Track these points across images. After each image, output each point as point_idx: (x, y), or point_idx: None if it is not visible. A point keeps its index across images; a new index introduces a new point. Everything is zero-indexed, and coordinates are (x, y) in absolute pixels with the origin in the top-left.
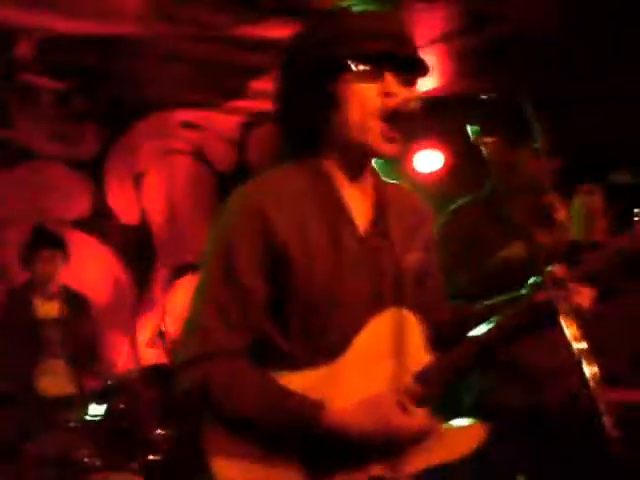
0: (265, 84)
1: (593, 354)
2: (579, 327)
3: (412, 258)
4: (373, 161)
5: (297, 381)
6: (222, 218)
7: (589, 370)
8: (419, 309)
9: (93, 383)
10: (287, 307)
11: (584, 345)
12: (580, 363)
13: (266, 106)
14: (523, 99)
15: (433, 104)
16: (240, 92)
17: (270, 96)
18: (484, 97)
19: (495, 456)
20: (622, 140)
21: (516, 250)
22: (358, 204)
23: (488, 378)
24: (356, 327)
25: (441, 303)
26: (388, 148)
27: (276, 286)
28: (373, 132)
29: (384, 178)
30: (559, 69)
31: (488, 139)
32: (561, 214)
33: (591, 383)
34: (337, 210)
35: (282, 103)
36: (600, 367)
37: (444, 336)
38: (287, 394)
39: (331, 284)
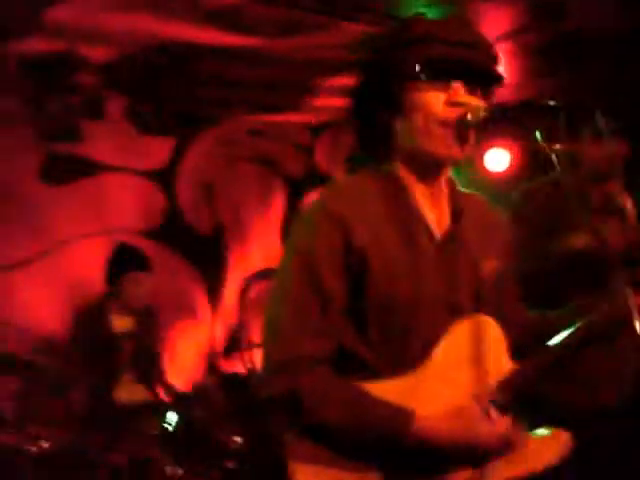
0: (336, 81)
1: None
2: None
3: (490, 265)
4: (449, 170)
5: (379, 390)
6: (301, 224)
7: None
8: (497, 317)
9: (167, 393)
10: (367, 314)
11: None
12: None
13: (336, 104)
14: (592, 104)
15: (499, 113)
16: (311, 90)
17: (340, 93)
18: (551, 103)
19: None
20: None
21: (580, 241)
22: (433, 211)
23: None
24: (436, 334)
25: (519, 311)
26: (452, 152)
27: (356, 293)
28: (437, 138)
29: (459, 187)
30: (629, 66)
31: (556, 146)
32: (627, 204)
33: None
34: (413, 217)
35: (356, 107)
36: None
37: (522, 345)
38: (377, 402)
39: (409, 290)
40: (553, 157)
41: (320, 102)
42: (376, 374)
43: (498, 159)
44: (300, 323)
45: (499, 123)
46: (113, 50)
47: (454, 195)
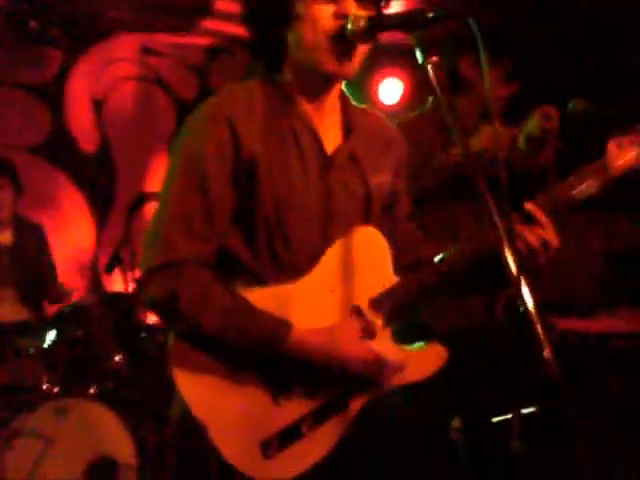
0: (230, 5)
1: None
2: (521, 259)
3: (380, 179)
4: (340, 85)
5: (261, 296)
6: (188, 128)
7: (528, 296)
8: (386, 233)
9: (50, 310)
10: (253, 220)
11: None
12: (520, 289)
13: (230, 28)
14: (470, 17)
15: (382, 23)
16: (205, 13)
17: (234, 17)
18: (431, 15)
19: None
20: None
21: (454, 152)
22: (324, 125)
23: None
24: (322, 245)
25: (411, 231)
26: (337, 66)
27: (243, 197)
28: (323, 51)
29: (354, 103)
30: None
31: (434, 58)
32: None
33: (529, 308)
34: (302, 128)
35: (250, 18)
36: (540, 295)
37: (407, 259)
38: (256, 311)
39: (297, 200)
40: (432, 79)
41: (215, 25)
42: (260, 281)
43: (390, 90)
44: (183, 226)
45: (381, 32)
46: None
47: (347, 110)
